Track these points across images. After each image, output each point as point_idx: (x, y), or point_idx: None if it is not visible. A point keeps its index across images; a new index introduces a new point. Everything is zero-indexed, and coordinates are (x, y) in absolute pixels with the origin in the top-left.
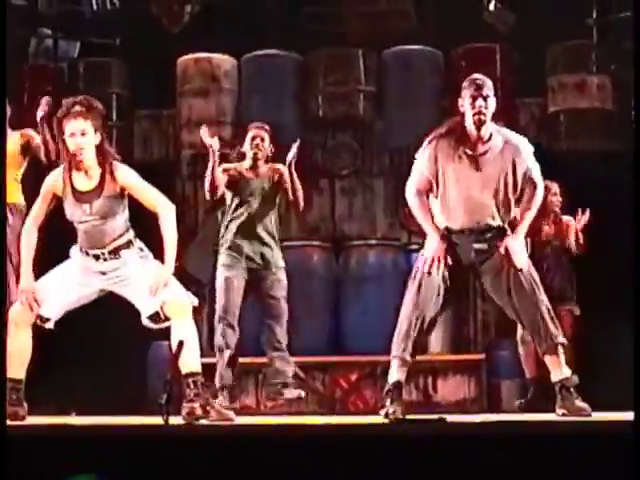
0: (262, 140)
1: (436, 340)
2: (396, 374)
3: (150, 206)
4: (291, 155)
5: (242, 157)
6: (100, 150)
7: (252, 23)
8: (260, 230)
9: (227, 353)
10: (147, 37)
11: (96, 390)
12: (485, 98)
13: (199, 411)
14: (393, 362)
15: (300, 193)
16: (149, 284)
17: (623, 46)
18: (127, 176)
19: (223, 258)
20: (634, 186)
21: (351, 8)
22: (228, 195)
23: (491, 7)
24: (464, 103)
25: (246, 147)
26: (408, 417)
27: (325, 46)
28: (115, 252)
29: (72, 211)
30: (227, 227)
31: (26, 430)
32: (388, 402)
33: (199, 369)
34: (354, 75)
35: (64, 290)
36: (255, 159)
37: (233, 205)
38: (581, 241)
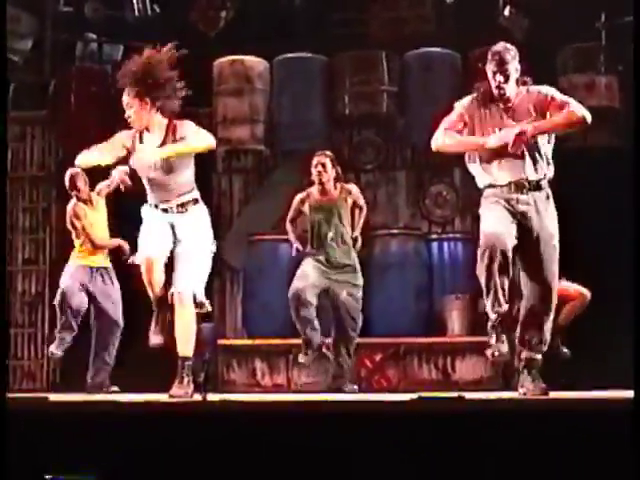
0: (324, 166)
1: (454, 322)
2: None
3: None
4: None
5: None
6: (162, 110)
7: (283, 28)
8: (339, 243)
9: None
10: (185, 41)
11: (138, 369)
12: (506, 62)
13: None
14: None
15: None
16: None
17: (629, 48)
18: (186, 129)
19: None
20: (635, 183)
21: (375, 13)
22: (309, 219)
23: (506, 12)
24: (488, 68)
25: (313, 174)
26: (427, 394)
27: (351, 49)
28: (183, 206)
29: (140, 166)
30: (312, 245)
31: (59, 406)
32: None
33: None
34: (378, 76)
35: (159, 230)
36: (321, 183)
37: (316, 226)
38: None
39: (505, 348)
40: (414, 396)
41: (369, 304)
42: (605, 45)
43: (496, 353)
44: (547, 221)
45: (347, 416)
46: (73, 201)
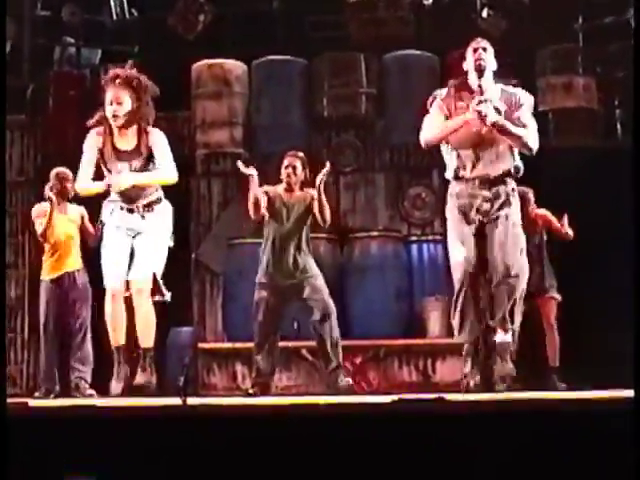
0: (294, 168)
1: (434, 323)
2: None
3: (159, 166)
4: (320, 178)
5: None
6: (133, 114)
7: (261, 31)
8: (294, 246)
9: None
10: (164, 44)
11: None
12: (484, 49)
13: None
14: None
15: (327, 211)
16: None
17: (607, 49)
18: (154, 139)
19: (259, 276)
20: (634, 183)
21: (353, 15)
22: (267, 214)
23: (484, 14)
24: (467, 57)
25: (282, 173)
26: (408, 396)
27: (329, 51)
28: (148, 206)
29: (113, 168)
30: (266, 244)
31: (40, 411)
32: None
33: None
34: (356, 78)
35: (118, 254)
36: (289, 184)
37: (271, 223)
38: (566, 230)
39: (479, 377)
40: (395, 398)
41: (349, 306)
42: (583, 46)
43: (471, 382)
44: (510, 211)
45: (328, 418)
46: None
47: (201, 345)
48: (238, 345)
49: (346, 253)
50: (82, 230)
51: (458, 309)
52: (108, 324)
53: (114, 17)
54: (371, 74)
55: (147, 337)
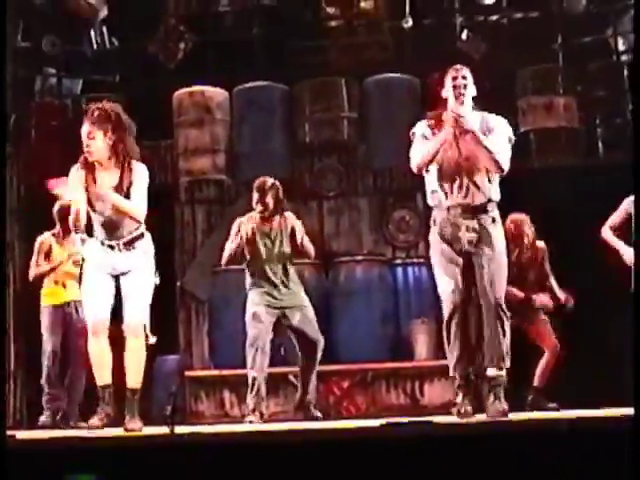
0: (264, 193)
1: (421, 346)
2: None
3: (132, 200)
4: (300, 236)
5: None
6: (114, 150)
7: (241, 58)
8: (281, 273)
9: (256, 376)
10: (145, 73)
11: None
12: (464, 77)
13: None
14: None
15: (312, 252)
16: None
17: (587, 68)
18: (136, 174)
19: (251, 296)
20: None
21: (333, 40)
22: (247, 248)
23: (463, 36)
24: (446, 87)
25: (254, 203)
26: (396, 420)
27: (310, 77)
28: (129, 243)
29: (96, 205)
30: (251, 273)
31: (29, 443)
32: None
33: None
34: (338, 103)
35: (99, 292)
36: (262, 215)
37: (255, 257)
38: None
39: (470, 408)
40: (383, 422)
41: (335, 330)
42: (563, 66)
43: (462, 411)
44: (494, 241)
45: (316, 444)
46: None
47: (188, 373)
48: (225, 372)
49: (331, 278)
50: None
51: (451, 343)
52: (92, 363)
53: (94, 47)
54: (352, 98)
55: (137, 377)
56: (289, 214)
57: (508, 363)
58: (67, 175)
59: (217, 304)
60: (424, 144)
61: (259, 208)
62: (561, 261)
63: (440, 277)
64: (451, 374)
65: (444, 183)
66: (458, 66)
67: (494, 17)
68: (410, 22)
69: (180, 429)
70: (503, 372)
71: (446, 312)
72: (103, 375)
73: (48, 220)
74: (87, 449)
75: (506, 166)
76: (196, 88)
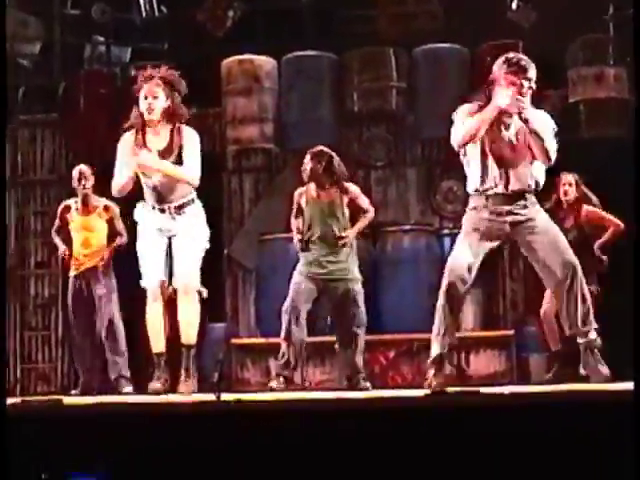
0: (307, 164)
1: (468, 317)
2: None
3: (185, 164)
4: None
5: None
6: (168, 112)
7: (290, 26)
8: (332, 244)
9: (285, 347)
10: (193, 41)
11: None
12: (528, 79)
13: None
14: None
15: (371, 210)
16: None
17: (637, 39)
18: (186, 137)
19: (299, 265)
20: (636, 180)
21: (382, 10)
22: (304, 214)
23: (514, 6)
24: (499, 75)
25: (305, 171)
26: (444, 389)
27: (358, 46)
28: (180, 208)
29: (146, 170)
30: (306, 242)
31: (74, 409)
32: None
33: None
34: (386, 72)
35: (154, 255)
36: (317, 184)
37: (307, 223)
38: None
39: (442, 380)
40: (428, 391)
41: (381, 300)
42: (613, 37)
43: (433, 384)
44: (537, 217)
45: (362, 413)
46: (64, 202)
47: (234, 341)
48: (271, 340)
49: (379, 247)
50: (111, 227)
51: (440, 317)
52: (148, 329)
53: (143, 15)
54: (401, 68)
55: (192, 333)
56: (349, 185)
57: (593, 325)
58: (114, 142)
59: (264, 272)
60: (466, 121)
61: (308, 176)
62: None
63: (459, 248)
64: (432, 347)
65: (486, 172)
66: (523, 62)
67: None
68: None
69: (226, 396)
70: (593, 335)
71: (447, 286)
72: (158, 343)
73: (95, 188)
74: (133, 416)
75: (553, 158)
76: (245, 56)
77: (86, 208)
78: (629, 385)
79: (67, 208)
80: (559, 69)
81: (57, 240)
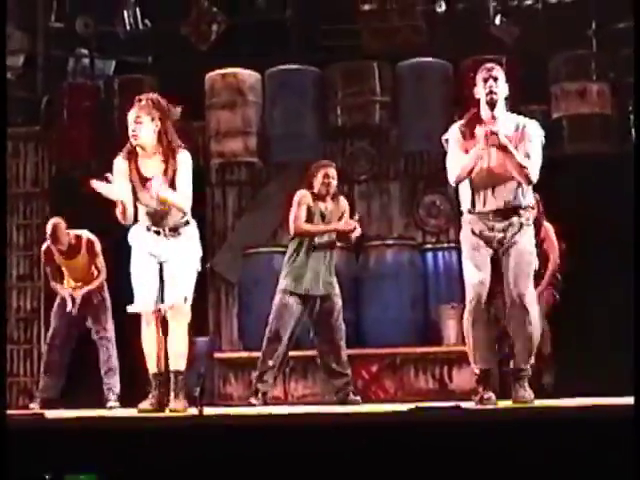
0: (332, 179)
1: (451, 332)
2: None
3: (178, 190)
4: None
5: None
6: (159, 138)
7: (274, 40)
8: (328, 257)
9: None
10: (177, 55)
11: (132, 385)
12: (495, 79)
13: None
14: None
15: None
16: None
17: (620, 54)
18: (180, 162)
19: (286, 279)
20: (635, 188)
21: (365, 24)
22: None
23: (497, 21)
24: (478, 88)
25: (317, 183)
26: (425, 405)
27: (342, 60)
28: (175, 230)
29: (140, 195)
30: (298, 250)
31: (56, 423)
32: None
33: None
34: (370, 86)
35: (147, 279)
36: (327, 194)
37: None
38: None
39: (493, 396)
40: (411, 406)
41: (364, 314)
42: (596, 52)
43: (485, 397)
44: (522, 240)
45: (345, 427)
46: (47, 243)
47: (217, 355)
48: (254, 354)
49: (361, 261)
50: (92, 258)
51: (471, 335)
52: (144, 351)
53: (127, 28)
54: (385, 82)
55: (181, 360)
56: (342, 198)
57: (533, 358)
58: (97, 155)
59: (247, 286)
60: (459, 157)
61: (323, 191)
62: (589, 247)
63: (468, 268)
64: (472, 366)
65: (476, 190)
66: (489, 65)
67: (528, 2)
68: (443, 6)
69: (209, 410)
70: (528, 365)
71: (468, 302)
72: (154, 364)
73: (78, 201)
74: (113, 429)
75: (535, 178)
76: (228, 70)
77: (68, 254)
78: (629, 400)
79: (49, 252)
80: (542, 85)
81: (58, 288)
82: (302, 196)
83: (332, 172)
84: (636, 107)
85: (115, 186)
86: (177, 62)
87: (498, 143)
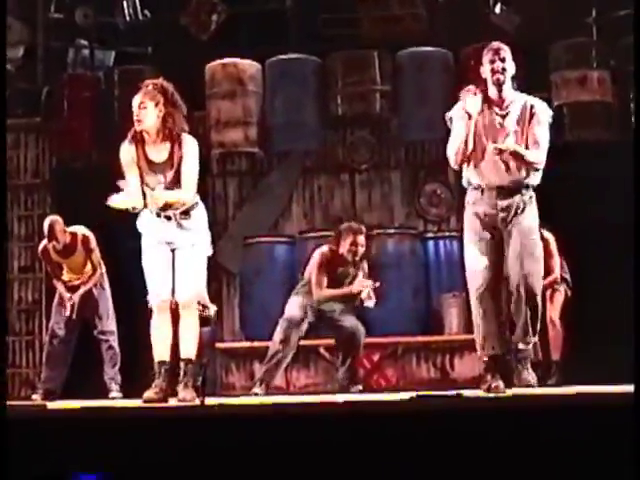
0: (361, 246)
1: (452, 320)
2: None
3: (182, 182)
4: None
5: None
6: (163, 124)
7: (274, 30)
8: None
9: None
10: (177, 45)
11: (135, 375)
12: (502, 60)
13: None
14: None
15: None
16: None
17: (621, 42)
18: (186, 149)
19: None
20: (634, 178)
21: (366, 13)
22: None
23: (497, 9)
24: (484, 69)
25: (344, 247)
26: (428, 393)
27: (343, 49)
28: (186, 213)
29: (148, 180)
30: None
31: (58, 413)
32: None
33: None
34: (370, 75)
35: (159, 269)
36: (352, 261)
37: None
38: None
39: (502, 384)
40: (413, 395)
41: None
42: (596, 40)
43: (493, 385)
44: (526, 219)
45: (346, 416)
46: (44, 242)
47: (219, 345)
48: (256, 344)
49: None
50: (88, 254)
51: (479, 320)
52: (152, 338)
53: (127, 19)
54: (385, 71)
55: (191, 348)
56: (365, 261)
57: (535, 337)
58: (98, 146)
59: (248, 276)
60: (462, 136)
61: (349, 257)
62: (590, 237)
63: (471, 254)
64: (479, 352)
65: (480, 166)
66: (495, 45)
67: None
68: None
69: (210, 400)
70: (529, 346)
71: (475, 289)
72: (161, 351)
73: (80, 192)
74: (116, 420)
75: (542, 165)
76: (228, 60)
77: (64, 252)
78: (629, 388)
79: (46, 251)
80: (542, 73)
81: (60, 287)
82: (323, 257)
83: (361, 240)
84: (636, 95)
85: (130, 189)
86: (177, 52)
87: (507, 155)
